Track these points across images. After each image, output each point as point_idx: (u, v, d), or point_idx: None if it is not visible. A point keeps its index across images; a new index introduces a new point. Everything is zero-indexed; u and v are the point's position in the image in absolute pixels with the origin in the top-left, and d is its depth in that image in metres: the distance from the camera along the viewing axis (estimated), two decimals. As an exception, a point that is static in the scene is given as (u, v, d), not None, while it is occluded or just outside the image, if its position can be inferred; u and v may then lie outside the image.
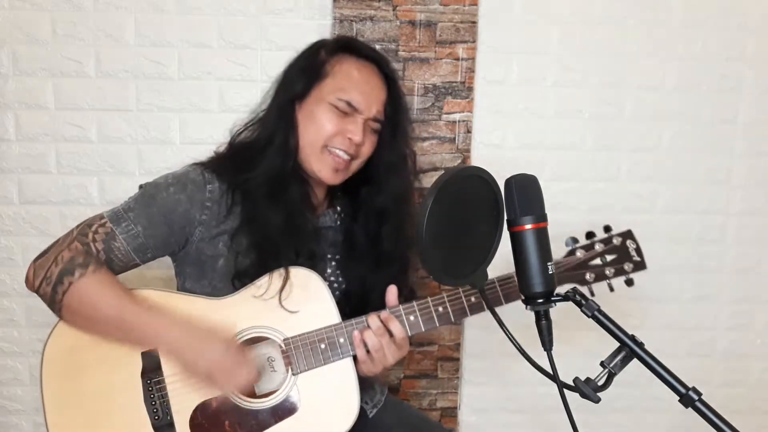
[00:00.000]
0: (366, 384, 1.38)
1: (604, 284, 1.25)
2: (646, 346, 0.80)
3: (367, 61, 1.23)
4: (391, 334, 1.15)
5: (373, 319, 1.15)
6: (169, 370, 1.13)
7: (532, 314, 0.83)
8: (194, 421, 1.12)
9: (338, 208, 1.32)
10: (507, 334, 0.84)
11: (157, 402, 1.12)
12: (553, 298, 0.82)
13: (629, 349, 0.80)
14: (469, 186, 0.82)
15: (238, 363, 1.09)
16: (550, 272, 0.80)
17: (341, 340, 1.15)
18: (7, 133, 1.63)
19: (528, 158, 1.74)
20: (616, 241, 1.25)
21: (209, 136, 1.65)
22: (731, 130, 1.79)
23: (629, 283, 1.26)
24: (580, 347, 1.60)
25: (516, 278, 1.15)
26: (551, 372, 0.79)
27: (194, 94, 1.65)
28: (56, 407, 1.12)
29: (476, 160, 1.72)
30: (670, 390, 0.78)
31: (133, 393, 1.12)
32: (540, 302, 0.81)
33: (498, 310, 0.86)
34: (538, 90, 1.72)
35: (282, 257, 1.16)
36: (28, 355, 1.71)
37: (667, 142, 1.78)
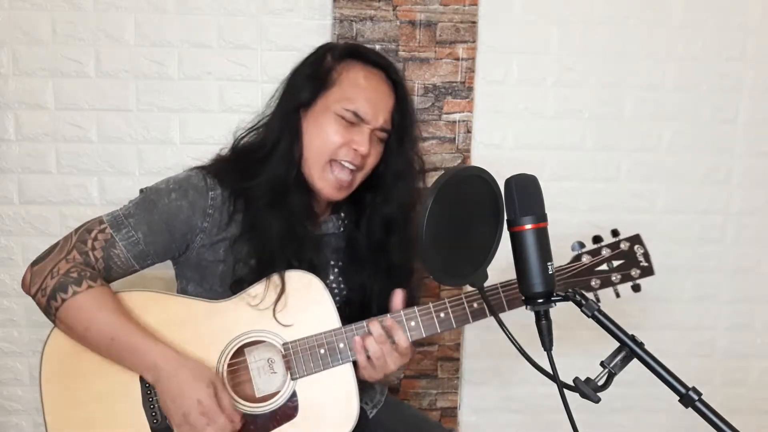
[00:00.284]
0: (366, 384, 1.37)
1: (610, 290, 1.23)
2: (646, 346, 0.80)
3: (374, 68, 1.21)
4: (393, 342, 1.13)
5: (374, 325, 1.12)
6: None
7: (532, 314, 0.83)
8: None
9: (342, 215, 1.30)
10: (507, 335, 0.84)
11: (156, 405, 1.12)
12: (553, 298, 0.81)
13: (629, 349, 0.80)
14: (469, 186, 0.82)
15: (217, 411, 1.06)
16: (550, 272, 0.80)
17: (341, 345, 1.13)
18: (7, 133, 1.63)
19: (528, 158, 1.74)
20: (624, 246, 1.22)
21: (209, 136, 1.65)
22: (731, 130, 1.79)
23: (636, 288, 1.24)
24: (580, 347, 1.60)
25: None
26: (551, 372, 0.79)
27: (194, 94, 1.65)
28: (55, 408, 1.12)
29: (476, 160, 1.72)
30: (670, 390, 0.78)
31: (132, 396, 1.12)
32: (540, 302, 0.81)
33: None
34: (538, 90, 1.72)
35: (280, 266, 1.14)
36: (28, 355, 1.71)
37: (667, 142, 1.78)
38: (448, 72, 1.67)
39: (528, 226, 0.80)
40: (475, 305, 1.16)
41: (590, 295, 1.22)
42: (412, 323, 1.15)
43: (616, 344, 0.81)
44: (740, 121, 1.78)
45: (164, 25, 1.62)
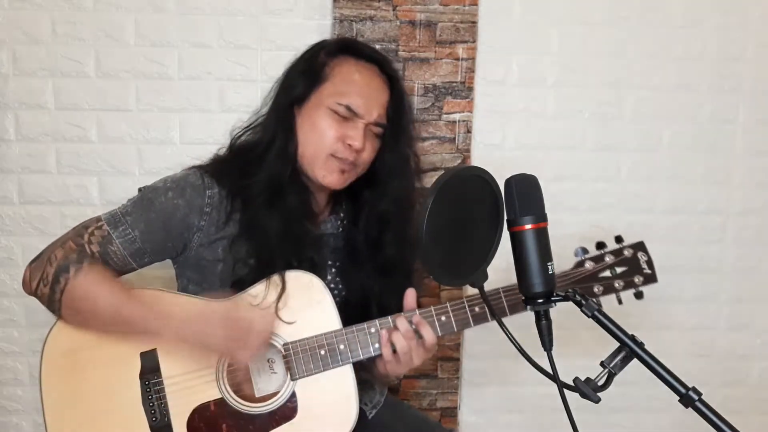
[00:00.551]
0: (365, 385, 1.37)
1: (612, 296, 1.23)
2: (646, 346, 0.80)
3: (368, 63, 1.21)
4: (420, 337, 1.13)
5: (401, 321, 1.13)
6: (167, 371, 1.13)
7: (532, 314, 0.83)
8: (192, 424, 1.12)
9: (341, 215, 1.30)
10: (507, 335, 0.84)
11: (155, 403, 1.12)
12: (553, 298, 0.82)
13: (629, 349, 0.80)
14: (469, 186, 0.82)
15: (247, 323, 1.08)
16: (550, 272, 0.81)
17: (341, 347, 1.14)
18: (7, 133, 1.63)
19: (528, 158, 1.74)
20: (627, 252, 1.22)
21: (209, 136, 1.65)
22: (731, 130, 1.79)
23: (638, 295, 1.23)
24: (580, 347, 1.60)
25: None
26: (551, 372, 0.79)
27: (194, 94, 1.65)
28: (55, 407, 1.12)
29: (476, 160, 1.72)
30: (670, 390, 0.78)
31: (131, 394, 1.12)
32: (540, 302, 0.81)
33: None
34: (538, 90, 1.72)
35: (279, 267, 1.14)
36: (28, 355, 1.71)
37: (667, 142, 1.78)
38: (448, 72, 1.67)
39: (528, 226, 0.80)
40: (476, 309, 1.16)
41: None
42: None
43: (616, 344, 0.81)
44: (740, 121, 1.78)
45: (164, 25, 1.62)
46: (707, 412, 0.75)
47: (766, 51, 1.75)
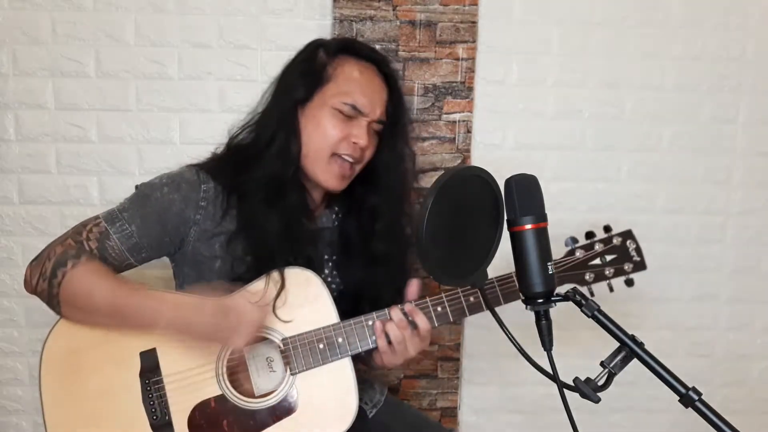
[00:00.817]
0: (366, 384, 1.38)
1: (604, 284, 1.25)
2: (646, 346, 0.80)
3: (367, 62, 1.23)
4: (414, 326, 1.15)
5: (395, 311, 1.15)
6: (167, 370, 1.13)
7: (532, 314, 0.83)
8: (192, 421, 1.12)
9: (336, 209, 1.31)
10: (507, 334, 0.84)
11: (156, 402, 1.12)
12: (553, 298, 0.82)
13: (629, 349, 0.80)
14: (469, 186, 0.82)
15: (239, 311, 1.09)
16: (550, 272, 0.80)
17: (340, 340, 1.15)
18: (7, 133, 1.63)
19: (528, 158, 1.74)
20: (616, 241, 1.25)
21: (209, 136, 1.65)
22: (731, 130, 1.79)
23: (629, 283, 1.26)
24: (580, 347, 1.60)
25: (515, 278, 1.16)
26: (551, 372, 0.79)
27: (194, 94, 1.65)
28: (55, 407, 1.12)
29: (476, 160, 1.72)
30: (670, 390, 0.78)
31: (131, 393, 1.12)
32: (540, 302, 0.81)
33: (498, 309, 0.86)
34: (538, 90, 1.72)
35: (277, 264, 1.15)
36: (28, 355, 1.71)
37: (667, 142, 1.78)
38: (448, 72, 1.67)
39: (528, 226, 0.80)
40: (471, 299, 1.18)
41: (584, 289, 1.24)
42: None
43: (616, 344, 0.81)
44: (740, 121, 1.78)
45: (164, 25, 1.62)
46: (707, 412, 0.75)
47: (766, 51, 1.75)
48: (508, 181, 0.82)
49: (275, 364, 1.16)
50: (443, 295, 1.18)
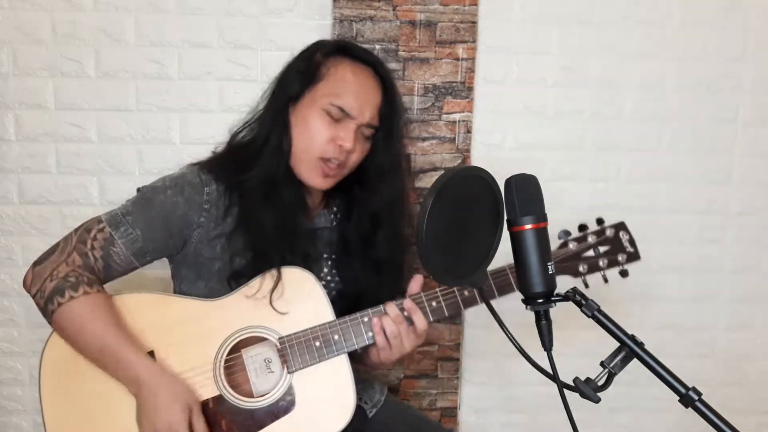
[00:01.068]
0: (366, 384, 1.38)
1: (598, 276, 1.25)
2: (646, 346, 0.80)
3: (363, 64, 1.22)
4: (411, 323, 1.15)
5: (390, 306, 1.16)
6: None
7: (532, 314, 0.83)
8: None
9: (334, 209, 1.31)
10: (507, 334, 0.84)
11: None
12: (553, 298, 0.82)
13: (629, 349, 0.79)
14: (469, 186, 0.82)
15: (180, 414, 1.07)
16: (551, 272, 0.80)
17: (335, 337, 1.15)
18: (7, 133, 1.63)
19: (528, 158, 1.74)
20: (609, 232, 1.25)
21: (209, 136, 1.65)
22: (731, 130, 1.79)
23: (624, 274, 1.26)
24: (580, 347, 1.60)
25: (508, 271, 1.16)
26: (551, 372, 0.79)
27: (194, 94, 1.65)
28: (54, 410, 1.13)
29: (476, 160, 1.72)
30: (670, 390, 0.78)
31: (128, 397, 1.12)
32: (540, 302, 0.81)
33: (498, 309, 0.86)
34: (538, 90, 1.72)
35: (275, 259, 1.16)
36: (28, 355, 1.71)
37: (667, 142, 1.78)
38: (448, 72, 1.67)
39: (528, 226, 0.80)
40: (466, 293, 1.19)
41: (579, 281, 1.24)
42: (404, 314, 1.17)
43: (616, 344, 0.81)
44: (740, 121, 1.78)
45: (164, 25, 1.62)
46: (707, 412, 0.75)
47: (766, 51, 1.75)
48: (508, 181, 0.82)
49: (273, 364, 1.16)
50: (438, 290, 1.19)
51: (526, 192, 0.81)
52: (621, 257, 1.25)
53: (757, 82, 1.76)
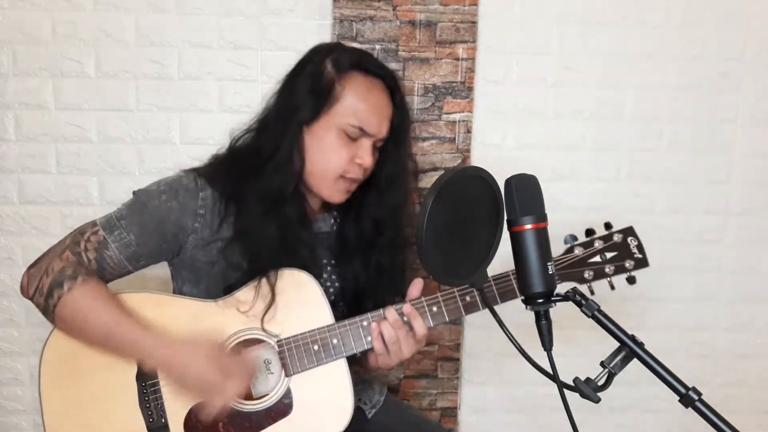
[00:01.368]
0: (365, 384, 1.38)
1: (604, 282, 1.22)
2: (646, 346, 0.80)
3: (375, 78, 1.18)
4: (410, 327, 1.14)
5: (390, 311, 1.14)
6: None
7: (532, 314, 0.83)
8: (188, 424, 1.12)
9: (334, 212, 1.30)
10: (507, 334, 0.84)
11: (152, 405, 1.12)
12: (553, 298, 0.82)
13: (629, 349, 0.80)
14: (469, 186, 0.82)
15: (229, 370, 1.06)
16: (550, 272, 0.80)
17: (334, 341, 1.14)
18: (7, 133, 1.63)
19: (528, 158, 1.74)
20: (617, 237, 1.22)
21: (209, 136, 1.65)
22: (731, 130, 1.79)
23: (631, 280, 1.23)
24: (580, 347, 1.60)
25: (512, 277, 1.16)
26: (551, 372, 0.79)
27: (194, 94, 1.65)
28: (54, 409, 1.13)
29: (476, 160, 1.72)
30: (670, 390, 0.78)
31: (128, 396, 1.12)
32: (540, 302, 0.81)
33: (497, 309, 0.86)
34: (538, 90, 1.72)
35: (272, 272, 1.15)
36: (28, 355, 1.71)
37: (667, 142, 1.78)
38: (448, 72, 1.67)
39: (528, 226, 0.80)
40: (467, 299, 1.17)
41: (584, 287, 1.21)
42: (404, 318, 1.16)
43: (616, 344, 0.81)
44: (740, 121, 1.78)
45: (164, 25, 1.62)
46: (707, 412, 0.75)
47: (766, 51, 1.75)
48: (508, 181, 0.82)
49: (273, 366, 1.16)
50: (439, 294, 1.17)
51: (526, 192, 0.81)
52: (628, 263, 1.21)
53: (757, 82, 1.76)
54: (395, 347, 1.14)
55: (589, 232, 1.23)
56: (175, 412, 1.12)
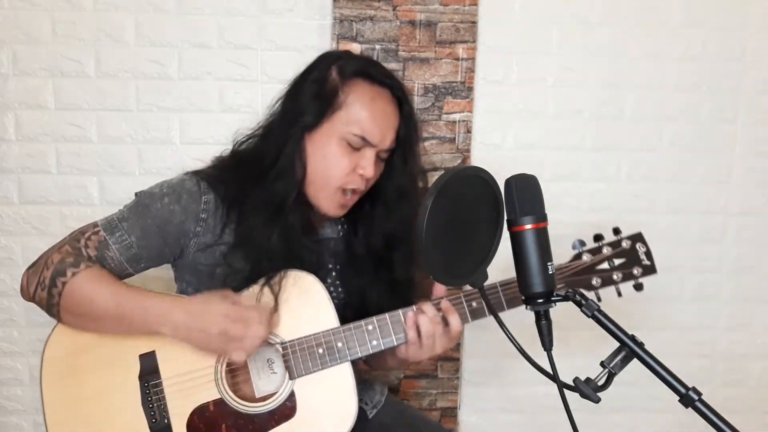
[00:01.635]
0: (366, 384, 1.38)
1: (612, 289, 1.21)
2: (646, 346, 0.80)
3: (381, 87, 1.16)
4: (447, 324, 1.14)
5: (428, 305, 1.14)
6: (166, 373, 1.13)
7: (532, 314, 0.83)
8: (191, 425, 1.12)
9: (342, 219, 1.29)
10: (507, 335, 0.84)
11: (155, 405, 1.12)
12: (553, 298, 0.82)
13: (629, 349, 0.80)
14: (469, 186, 0.82)
15: (247, 318, 1.06)
16: (550, 272, 0.80)
17: (339, 344, 1.14)
18: (7, 133, 1.63)
19: (528, 158, 1.74)
20: (626, 244, 1.21)
21: (209, 136, 1.65)
22: (731, 130, 1.79)
23: (638, 287, 1.22)
24: (580, 347, 1.60)
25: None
26: (551, 372, 0.79)
27: (194, 94, 1.65)
28: (56, 409, 1.12)
29: (476, 160, 1.72)
30: (670, 390, 0.78)
31: (130, 396, 1.12)
32: (540, 302, 0.81)
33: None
34: (538, 90, 1.72)
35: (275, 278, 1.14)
36: (28, 355, 1.71)
37: (667, 142, 1.78)
38: (448, 72, 1.67)
39: (528, 226, 0.80)
40: (474, 304, 1.17)
41: (591, 294, 1.21)
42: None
43: (616, 344, 0.81)
44: (740, 121, 1.78)
45: (164, 25, 1.62)
46: (707, 412, 0.75)
47: (766, 51, 1.75)
48: (508, 181, 0.82)
49: (276, 365, 1.16)
50: (462, 294, 1.17)
51: (526, 192, 0.81)
52: (636, 270, 1.20)
53: (757, 82, 1.76)
54: (430, 341, 1.14)
55: (598, 238, 1.22)
56: (179, 413, 1.12)
